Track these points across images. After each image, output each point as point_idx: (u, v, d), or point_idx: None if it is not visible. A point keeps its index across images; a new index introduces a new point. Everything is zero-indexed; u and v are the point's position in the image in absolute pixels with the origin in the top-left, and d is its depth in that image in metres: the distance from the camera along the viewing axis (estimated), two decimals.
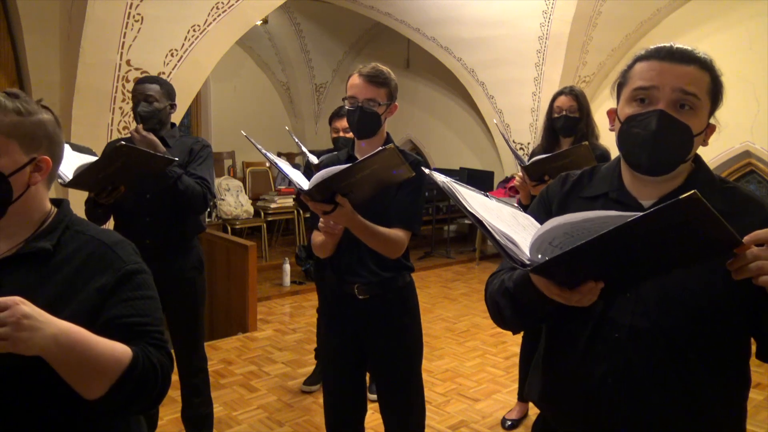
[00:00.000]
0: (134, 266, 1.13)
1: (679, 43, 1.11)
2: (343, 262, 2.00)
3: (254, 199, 7.00)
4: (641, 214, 0.79)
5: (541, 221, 0.97)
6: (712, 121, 1.13)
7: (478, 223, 0.96)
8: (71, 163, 2.14)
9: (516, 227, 1.01)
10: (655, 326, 1.09)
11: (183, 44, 4.18)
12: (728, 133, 5.04)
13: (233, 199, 6.59)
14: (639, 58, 1.13)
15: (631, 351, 1.10)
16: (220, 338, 4.39)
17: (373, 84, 1.91)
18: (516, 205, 1.17)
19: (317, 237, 1.95)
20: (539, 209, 1.27)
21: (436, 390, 3.49)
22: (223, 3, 4.21)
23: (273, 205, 6.67)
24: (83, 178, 2.09)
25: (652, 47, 1.12)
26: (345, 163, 1.77)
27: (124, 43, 3.91)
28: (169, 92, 2.50)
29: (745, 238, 0.87)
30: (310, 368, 3.66)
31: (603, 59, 5.98)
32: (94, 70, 3.88)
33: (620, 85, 1.17)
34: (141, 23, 3.91)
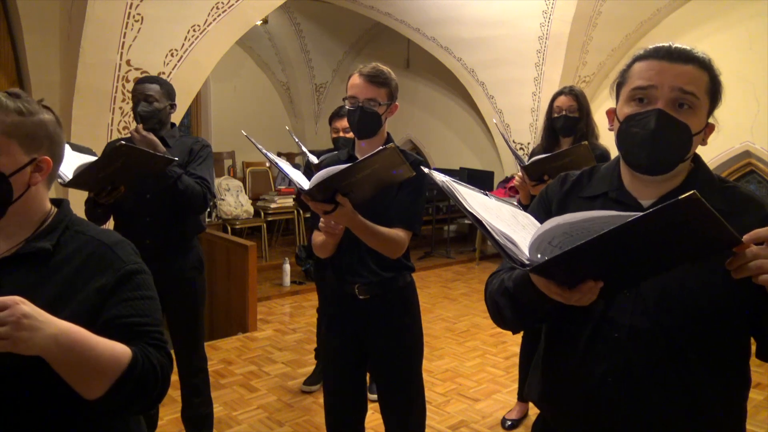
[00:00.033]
0: (134, 266, 1.13)
1: (678, 43, 1.11)
2: (343, 262, 2.00)
3: (254, 199, 7.01)
4: (641, 214, 0.79)
5: (541, 221, 0.97)
6: (711, 120, 1.13)
7: (478, 222, 0.96)
8: (71, 163, 2.14)
9: (515, 227, 1.01)
10: (655, 326, 1.09)
11: (183, 44, 4.18)
12: (728, 133, 5.05)
13: (233, 199, 6.59)
14: (638, 58, 1.14)
15: (631, 351, 1.10)
16: (220, 338, 4.39)
17: (374, 84, 1.91)
18: (516, 204, 1.16)
19: (318, 237, 1.95)
20: (539, 209, 1.27)
21: (436, 390, 3.48)
22: (223, 3, 4.21)
23: (273, 205, 6.67)
24: (83, 177, 2.09)
25: (650, 47, 1.12)
26: (345, 162, 1.77)
27: (124, 43, 3.92)
28: (169, 92, 2.50)
29: (745, 237, 0.87)
30: (310, 368, 3.66)
31: (603, 59, 5.98)
32: (94, 70, 3.88)
33: (619, 85, 1.17)
34: (141, 23, 3.91)
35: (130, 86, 3.93)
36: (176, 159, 2.26)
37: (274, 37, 8.52)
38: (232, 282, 4.66)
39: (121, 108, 4.05)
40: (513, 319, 1.19)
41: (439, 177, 1.09)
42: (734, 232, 0.82)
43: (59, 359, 0.96)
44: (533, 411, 3.04)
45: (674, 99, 1.08)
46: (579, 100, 2.72)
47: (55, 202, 1.19)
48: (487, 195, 1.09)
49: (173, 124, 2.59)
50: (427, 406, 2.24)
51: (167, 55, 4.14)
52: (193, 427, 2.64)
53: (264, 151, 1.83)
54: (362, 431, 2.16)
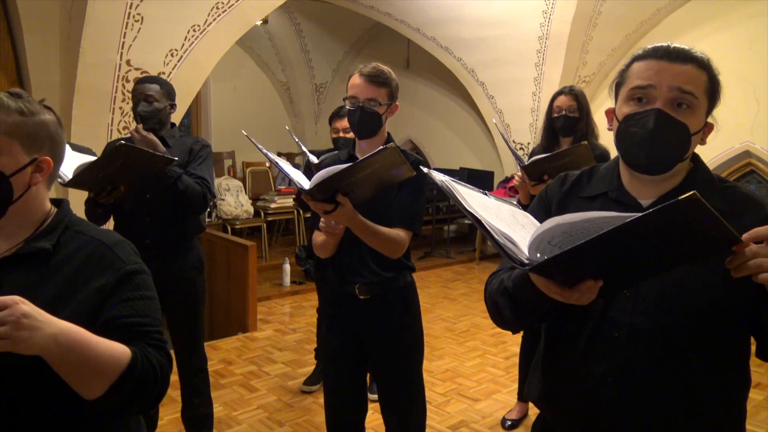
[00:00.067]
0: (134, 266, 1.13)
1: (677, 43, 1.11)
2: (344, 262, 2.00)
3: (254, 199, 7.01)
4: (641, 214, 0.79)
5: (540, 221, 0.97)
6: (709, 120, 1.13)
7: (477, 222, 0.96)
8: (71, 162, 2.14)
9: (515, 226, 1.01)
10: (655, 326, 1.09)
11: (183, 44, 4.18)
12: (728, 133, 5.05)
13: (233, 199, 6.59)
14: (636, 58, 1.14)
15: (630, 350, 1.10)
16: (220, 338, 4.39)
17: (374, 84, 1.91)
18: (515, 204, 1.16)
19: (318, 237, 1.95)
20: (538, 209, 1.27)
21: (436, 390, 3.48)
22: (223, 3, 4.21)
23: (273, 205, 6.67)
24: (83, 177, 2.09)
25: (649, 47, 1.12)
26: (346, 162, 1.77)
27: (124, 43, 3.92)
28: (169, 92, 2.50)
29: (744, 236, 0.87)
30: (310, 368, 3.66)
31: (603, 59, 5.98)
32: (94, 70, 3.88)
33: (618, 85, 1.17)
34: (141, 23, 3.91)
35: (130, 86, 3.93)
36: (176, 159, 2.26)
37: (274, 37, 8.52)
38: (232, 282, 4.66)
39: (121, 108, 4.05)
40: (512, 319, 1.19)
41: (438, 177, 1.09)
42: (734, 231, 0.82)
43: (59, 359, 0.96)
44: (533, 411, 3.04)
45: (673, 98, 1.08)
46: (579, 100, 2.72)
47: (55, 202, 1.19)
48: (486, 195, 1.09)
49: (173, 124, 2.59)
50: (427, 406, 2.24)
51: (167, 55, 4.14)
52: (193, 427, 2.64)
53: (264, 150, 1.83)
54: (362, 431, 2.16)
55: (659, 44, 1.11)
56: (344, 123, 3.09)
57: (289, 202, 6.63)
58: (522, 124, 6.35)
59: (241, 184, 6.94)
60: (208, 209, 5.15)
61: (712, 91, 1.11)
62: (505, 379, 3.67)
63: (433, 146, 8.23)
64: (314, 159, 2.73)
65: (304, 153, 3.02)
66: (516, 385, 3.29)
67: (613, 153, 1.25)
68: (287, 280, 5.58)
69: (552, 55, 5.77)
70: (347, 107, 1.95)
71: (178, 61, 4.19)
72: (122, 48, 3.92)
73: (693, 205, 0.76)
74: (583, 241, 0.83)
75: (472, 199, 1.02)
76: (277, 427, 3.07)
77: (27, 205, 1.12)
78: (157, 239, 2.43)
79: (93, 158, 2.19)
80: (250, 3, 4.34)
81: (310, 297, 5.30)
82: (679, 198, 0.75)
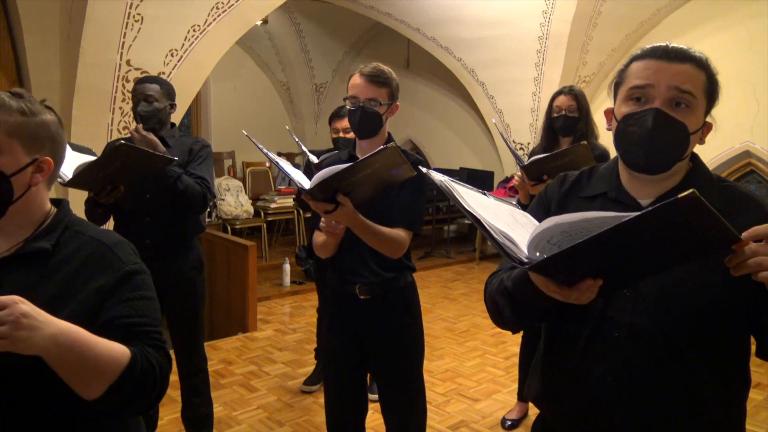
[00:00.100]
0: (133, 267, 1.13)
1: (675, 43, 1.11)
2: (344, 262, 2.00)
3: (254, 199, 7.01)
4: (640, 212, 0.79)
5: (540, 221, 0.97)
6: (708, 119, 1.14)
7: (476, 221, 0.96)
8: (71, 162, 2.14)
9: (514, 225, 1.01)
10: (654, 325, 1.09)
11: (183, 44, 4.18)
12: (728, 133, 5.05)
13: (233, 199, 6.59)
14: (635, 58, 1.14)
15: (630, 350, 1.10)
16: (220, 338, 4.39)
17: (375, 84, 1.91)
18: (515, 204, 1.17)
19: (319, 237, 1.94)
20: (538, 209, 1.27)
21: (436, 390, 3.48)
22: (223, 3, 4.21)
23: (273, 205, 6.67)
24: (83, 177, 2.09)
25: (647, 47, 1.13)
26: (346, 162, 1.77)
27: (124, 43, 3.92)
28: (169, 92, 2.50)
29: (744, 234, 0.87)
30: (310, 368, 3.66)
31: (603, 59, 5.98)
32: (94, 70, 3.88)
33: (617, 85, 1.18)
34: (141, 23, 3.91)
35: (130, 86, 3.93)
36: (176, 159, 2.26)
37: (274, 37, 8.52)
38: (232, 282, 4.66)
39: (121, 108, 4.05)
40: (512, 319, 1.19)
41: (437, 177, 1.09)
42: (733, 229, 0.82)
43: (58, 359, 0.96)
44: (533, 411, 3.04)
45: (671, 98, 1.08)
46: (578, 100, 2.72)
47: (55, 202, 1.19)
48: (485, 194, 1.09)
49: (173, 124, 2.59)
50: (428, 406, 2.24)
51: (167, 55, 4.14)
52: (193, 427, 2.64)
53: (265, 150, 1.83)
54: (362, 431, 2.16)
55: (657, 44, 1.11)
56: (344, 123, 3.09)
57: (289, 202, 6.63)
58: (522, 124, 6.35)
59: (241, 184, 6.94)
60: (208, 209, 5.15)
61: (711, 90, 1.11)
62: (505, 379, 3.67)
63: (433, 146, 8.23)
64: (314, 159, 2.74)
65: (304, 153, 3.02)
66: (516, 385, 3.29)
67: (613, 153, 1.25)
68: (287, 280, 5.58)
69: (552, 55, 5.77)
70: (348, 107, 1.95)
71: (178, 61, 4.19)
72: (122, 48, 3.92)
73: (692, 203, 0.76)
74: (582, 240, 0.83)
75: (471, 198, 1.02)
76: (277, 427, 3.07)
77: (27, 205, 1.12)
78: (157, 239, 2.43)
79: (93, 158, 2.19)
80: (250, 3, 4.34)
81: (310, 297, 5.30)
82: (678, 196, 0.75)
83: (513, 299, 1.13)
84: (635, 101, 1.11)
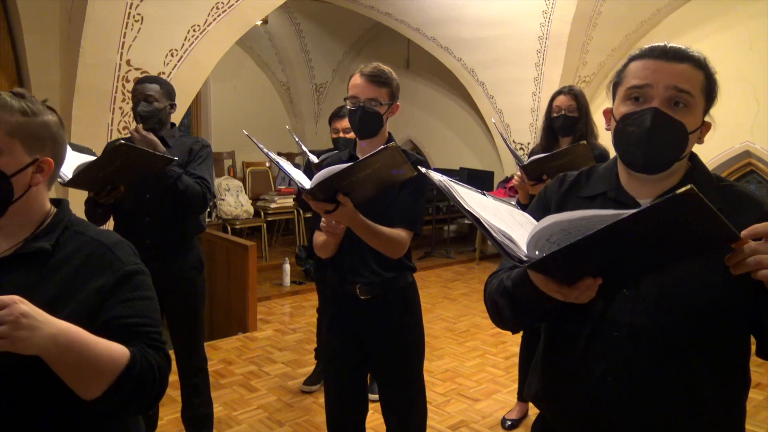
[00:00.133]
0: (133, 267, 1.13)
1: (673, 42, 1.11)
2: (345, 262, 2.00)
3: (254, 199, 7.01)
4: (638, 209, 0.79)
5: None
6: (707, 119, 1.14)
7: (476, 220, 0.96)
8: (71, 162, 2.14)
9: (513, 224, 1.01)
10: (654, 325, 1.09)
11: (183, 44, 4.18)
12: (728, 133, 5.05)
13: (233, 199, 6.59)
14: (633, 58, 1.14)
15: (630, 350, 1.10)
16: (220, 338, 4.39)
17: (375, 84, 1.90)
18: (514, 204, 1.17)
19: (319, 237, 1.94)
20: (537, 209, 1.27)
21: (436, 390, 3.48)
22: (223, 3, 4.21)
23: (273, 205, 6.67)
24: (83, 177, 2.09)
25: (646, 47, 1.13)
26: (347, 162, 1.77)
27: (124, 43, 3.92)
28: (169, 92, 2.50)
29: (743, 233, 0.87)
30: (310, 368, 3.66)
31: (603, 59, 5.98)
32: (94, 70, 3.88)
33: (615, 85, 1.18)
34: (141, 23, 3.91)
35: (130, 86, 3.93)
36: (176, 159, 2.26)
37: (274, 37, 8.52)
38: (232, 282, 4.66)
39: (121, 108, 4.05)
40: (512, 319, 1.19)
41: (437, 177, 1.09)
42: (732, 228, 0.82)
43: (58, 359, 0.96)
44: (533, 411, 3.04)
45: (669, 97, 1.08)
46: (578, 100, 2.72)
47: (55, 202, 1.19)
48: (484, 194, 1.09)
49: (173, 124, 2.59)
50: (428, 406, 2.24)
51: (167, 55, 4.14)
52: (193, 427, 2.64)
53: (265, 150, 1.83)
54: (363, 431, 2.16)
55: (656, 44, 1.12)
56: (344, 123, 3.09)
57: (289, 202, 6.63)
58: (522, 124, 6.35)
59: (241, 184, 6.94)
60: (208, 209, 5.15)
61: (709, 90, 1.11)
62: (505, 379, 3.67)
63: (433, 146, 8.23)
64: (314, 159, 2.74)
65: (304, 153, 3.02)
66: (516, 385, 3.29)
67: (612, 153, 1.25)
68: (287, 280, 5.58)
69: (552, 55, 5.77)
70: (348, 107, 1.95)
71: (178, 61, 4.19)
72: (122, 48, 3.92)
73: (690, 200, 0.76)
74: (581, 238, 0.83)
75: (470, 198, 1.02)
76: (277, 427, 3.07)
77: (27, 205, 1.12)
78: (157, 239, 2.43)
79: (93, 158, 2.19)
80: (250, 3, 4.34)
81: (310, 297, 5.30)
82: (677, 192, 0.75)
83: (513, 299, 1.13)
84: (634, 101, 1.11)
